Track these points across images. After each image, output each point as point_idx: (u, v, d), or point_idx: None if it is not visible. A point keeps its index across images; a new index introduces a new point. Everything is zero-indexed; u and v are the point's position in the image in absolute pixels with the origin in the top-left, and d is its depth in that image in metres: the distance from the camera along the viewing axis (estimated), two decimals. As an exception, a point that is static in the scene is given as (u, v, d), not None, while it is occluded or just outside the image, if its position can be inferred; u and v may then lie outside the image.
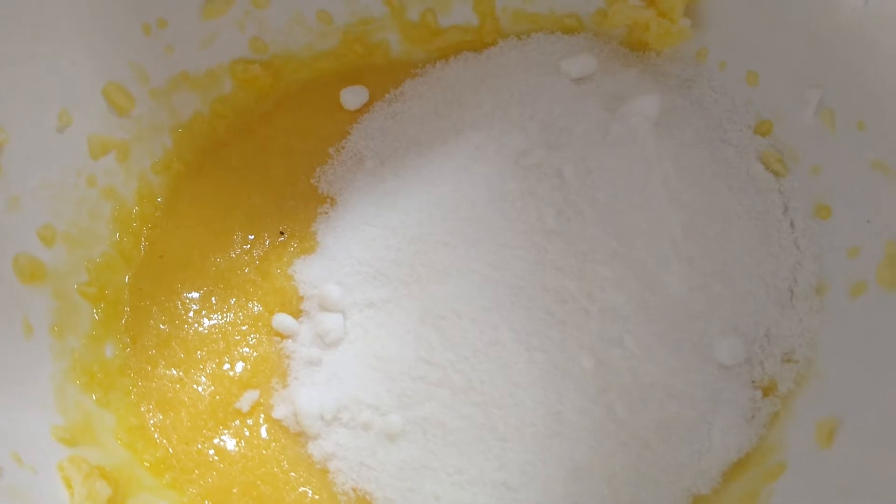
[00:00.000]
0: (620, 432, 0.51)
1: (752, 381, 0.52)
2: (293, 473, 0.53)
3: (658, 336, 0.52)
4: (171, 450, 0.54)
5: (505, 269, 0.55)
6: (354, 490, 0.53)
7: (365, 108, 0.65)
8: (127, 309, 0.58)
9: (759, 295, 0.54)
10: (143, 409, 0.55)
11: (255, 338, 0.58)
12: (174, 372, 0.57)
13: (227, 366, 0.57)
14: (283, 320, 0.58)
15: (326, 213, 0.62)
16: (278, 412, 0.55)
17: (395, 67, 0.67)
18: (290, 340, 0.58)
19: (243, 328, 0.58)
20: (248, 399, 0.56)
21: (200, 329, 0.58)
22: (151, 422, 0.55)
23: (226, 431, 0.55)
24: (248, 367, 0.57)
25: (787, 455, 0.49)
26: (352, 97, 0.65)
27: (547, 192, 0.56)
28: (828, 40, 0.53)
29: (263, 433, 0.55)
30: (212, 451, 0.54)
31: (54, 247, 0.55)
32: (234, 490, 0.53)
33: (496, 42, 0.66)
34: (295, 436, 0.55)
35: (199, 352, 0.57)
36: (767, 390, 0.52)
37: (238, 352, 0.57)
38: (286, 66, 0.66)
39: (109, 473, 0.50)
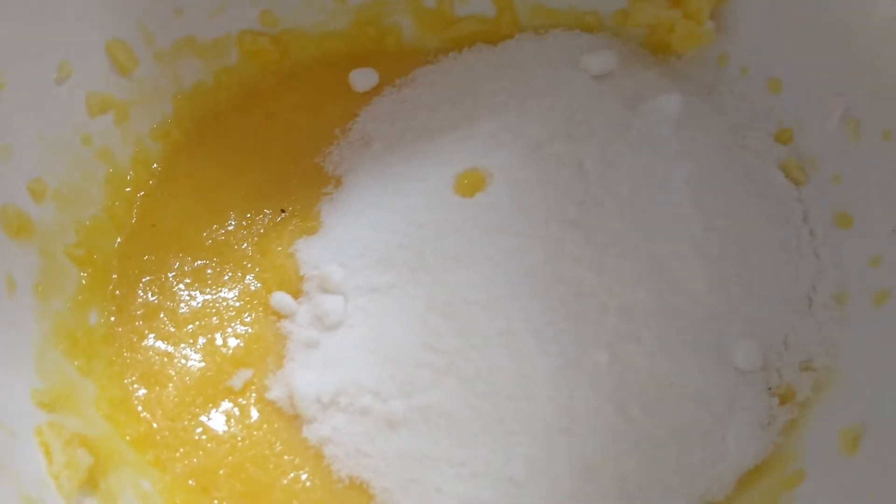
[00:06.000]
0: (633, 432, 0.49)
1: (769, 388, 0.51)
2: (286, 457, 0.50)
3: (677, 335, 0.50)
4: (155, 425, 0.50)
5: (519, 259, 0.53)
6: (351, 478, 0.50)
7: (374, 91, 0.63)
8: (115, 276, 0.55)
9: (777, 301, 0.52)
10: (126, 381, 0.52)
11: (250, 315, 0.55)
12: (162, 345, 0.53)
13: (219, 342, 0.54)
14: (281, 299, 0.55)
15: (331, 193, 0.59)
16: (272, 393, 0.52)
17: (407, 54, 0.65)
18: (287, 320, 0.55)
19: (238, 304, 0.55)
20: (240, 377, 0.52)
21: (193, 303, 0.55)
22: (135, 395, 0.51)
23: (215, 409, 0.52)
24: (243, 344, 0.54)
25: (806, 463, 0.47)
26: (361, 79, 0.63)
27: (567, 182, 0.54)
28: (856, 49, 0.53)
29: (255, 414, 0.52)
30: (199, 430, 0.51)
31: (44, 203, 0.52)
32: (221, 471, 0.49)
33: (513, 35, 0.64)
34: (289, 418, 0.52)
35: (190, 325, 0.54)
36: (784, 398, 0.50)
37: (232, 328, 0.54)
38: (295, 42, 0.63)
39: (90, 443, 0.46)
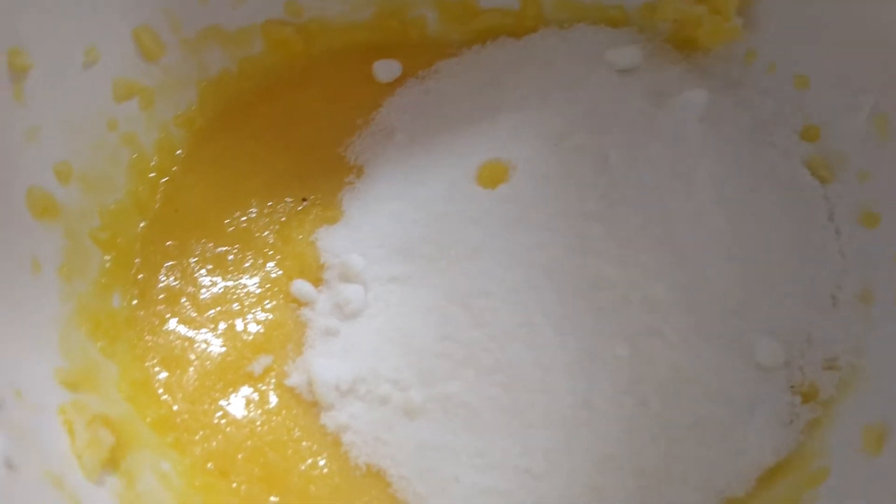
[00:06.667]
0: (653, 426, 0.49)
1: (791, 386, 0.50)
2: (304, 443, 0.50)
3: (699, 330, 0.50)
4: (175, 408, 0.51)
5: (540, 251, 0.53)
6: (368, 465, 0.50)
7: (397, 82, 0.63)
8: (137, 260, 0.55)
9: (800, 299, 0.52)
10: (148, 363, 0.52)
11: (271, 302, 0.55)
12: (183, 329, 0.53)
13: (240, 327, 0.54)
14: (301, 287, 0.55)
15: (352, 183, 0.59)
16: (292, 380, 0.52)
17: (430, 46, 0.65)
18: (307, 308, 0.55)
19: (259, 291, 0.55)
20: (260, 363, 0.53)
21: (214, 288, 0.55)
22: (156, 378, 0.51)
23: (234, 394, 0.52)
24: (263, 330, 0.54)
25: (830, 461, 0.46)
26: (385, 70, 0.63)
27: (590, 175, 0.54)
28: (886, 45, 0.52)
29: (274, 399, 0.52)
30: (219, 414, 0.51)
31: (69, 185, 0.52)
32: (240, 456, 0.49)
33: (536, 29, 0.64)
34: (308, 405, 0.52)
35: (211, 310, 0.54)
36: (807, 396, 0.50)
37: (253, 314, 0.54)
38: (320, 32, 0.64)
39: (112, 423, 0.46)
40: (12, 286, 0.46)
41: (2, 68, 0.48)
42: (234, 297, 0.55)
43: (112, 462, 0.45)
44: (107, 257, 0.54)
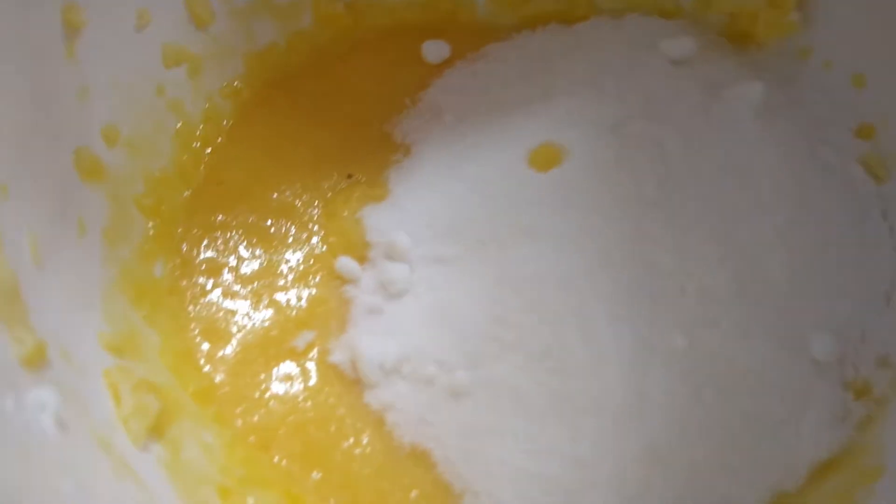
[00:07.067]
0: (706, 419, 0.48)
1: (845, 383, 0.49)
2: (348, 421, 0.49)
3: (756, 321, 0.49)
4: (217, 379, 0.50)
5: (596, 236, 0.52)
6: (412, 445, 0.49)
7: (446, 64, 0.62)
8: (180, 230, 0.54)
9: (854, 296, 0.51)
10: (189, 334, 0.51)
11: (315, 278, 0.54)
12: (226, 301, 0.52)
13: (283, 302, 0.53)
14: (346, 263, 0.54)
15: (399, 161, 0.58)
16: (335, 357, 0.51)
17: (479, 29, 0.64)
18: (351, 285, 0.54)
19: (303, 266, 0.54)
20: (303, 339, 0.52)
21: (257, 261, 0.54)
22: (198, 349, 0.50)
23: (277, 369, 0.51)
24: (306, 306, 0.53)
25: (884, 458, 0.46)
26: (434, 50, 0.62)
27: (647, 162, 0.53)
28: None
29: (317, 376, 0.51)
30: (261, 388, 0.50)
31: (115, 148, 0.51)
32: (281, 431, 0.48)
33: (588, 17, 0.63)
34: (351, 383, 0.51)
35: (254, 283, 0.53)
36: (860, 393, 0.49)
37: (296, 289, 0.53)
38: (369, 10, 0.63)
39: (157, 390, 0.45)
40: (59, 246, 0.45)
41: (56, 25, 0.47)
42: (278, 271, 0.54)
43: (157, 429, 0.44)
44: (150, 224, 0.53)
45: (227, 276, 0.53)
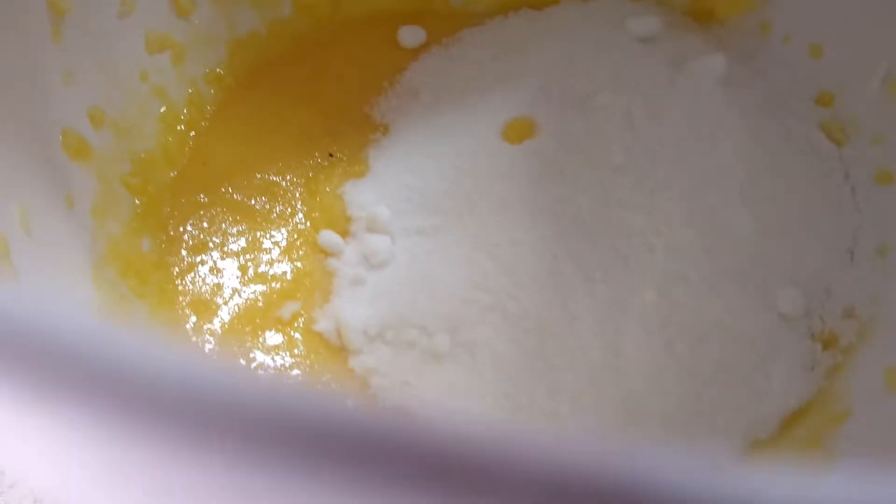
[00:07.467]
0: (679, 370, 0.49)
1: (813, 335, 0.51)
2: (333, 385, 0.51)
3: (723, 276, 0.51)
4: (206, 350, 0.51)
5: (568, 203, 0.54)
6: (396, 407, 0.50)
7: (422, 49, 0.65)
8: (167, 209, 0.56)
9: (819, 251, 0.53)
10: (177, 308, 0.52)
11: (298, 252, 0.55)
12: (212, 276, 0.54)
13: (268, 276, 0.54)
14: (329, 237, 0.56)
15: (378, 140, 0.60)
16: (320, 325, 0.53)
17: (454, 16, 0.66)
18: (334, 258, 0.55)
19: (286, 242, 0.56)
20: (289, 309, 0.53)
21: (242, 238, 0.56)
22: (187, 323, 0.52)
23: (264, 338, 0.52)
24: (291, 278, 0.54)
25: (851, 402, 0.47)
26: (410, 35, 0.64)
27: (615, 131, 0.55)
28: (900, 11, 0.54)
29: (303, 344, 0.52)
30: (250, 356, 0.51)
31: (102, 130, 0.53)
32: (269, 396, 0.50)
33: (558, 2, 0.66)
34: (336, 350, 0.52)
35: (240, 258, 0.55)
36: (828, 343, 0.51)
37: (281, 263, 0.55)
38: (346, -1, 0.65)
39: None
40: (48, 218, 0.47)
41: (42, 9, 0.49)
42: (263, 247, 0.56)
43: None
44: (137, 202, 0.54)
45: (214, 252, 0.55)
